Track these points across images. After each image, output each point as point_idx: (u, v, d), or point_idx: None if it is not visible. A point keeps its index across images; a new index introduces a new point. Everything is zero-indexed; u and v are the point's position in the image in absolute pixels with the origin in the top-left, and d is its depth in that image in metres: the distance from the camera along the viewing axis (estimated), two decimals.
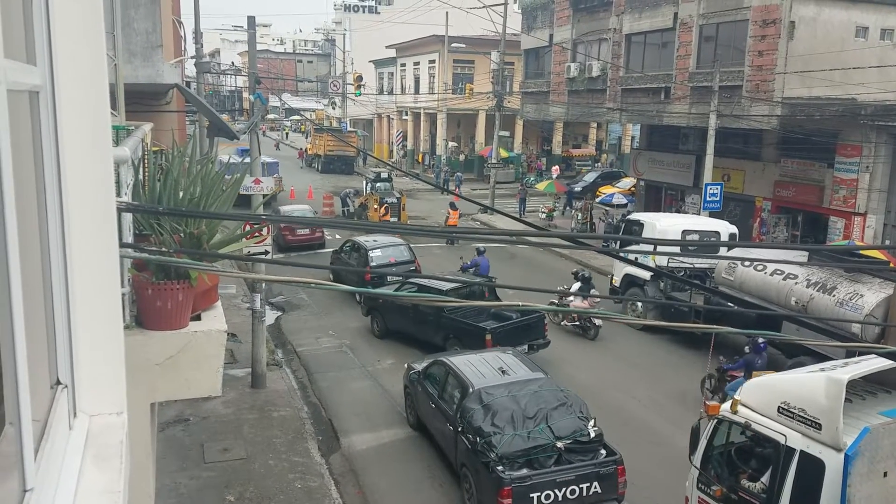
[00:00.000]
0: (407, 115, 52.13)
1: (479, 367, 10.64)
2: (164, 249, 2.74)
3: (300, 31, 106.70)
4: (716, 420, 8.02)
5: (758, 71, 20.26)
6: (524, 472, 8.82)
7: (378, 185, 30.98)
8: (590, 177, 39.73)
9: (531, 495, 8.67)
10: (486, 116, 42.84)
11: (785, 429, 7.20)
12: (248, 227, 11.49)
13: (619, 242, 17.62)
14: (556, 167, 41.80)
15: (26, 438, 1.07)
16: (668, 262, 17.30)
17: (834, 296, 13.47)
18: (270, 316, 17.84)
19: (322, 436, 12.14)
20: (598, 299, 17.51)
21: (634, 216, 19.87)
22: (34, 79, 1.26)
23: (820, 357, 13.17)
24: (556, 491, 8.76)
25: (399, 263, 19.15)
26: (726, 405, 8.01)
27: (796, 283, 14.27)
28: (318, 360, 15.48)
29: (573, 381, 13.34)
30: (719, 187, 21.08)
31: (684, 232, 17.35)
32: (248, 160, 28.88)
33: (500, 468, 8.80)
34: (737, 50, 21.06)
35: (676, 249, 17.26)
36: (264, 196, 13.70)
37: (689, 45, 22.67)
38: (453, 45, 41.87)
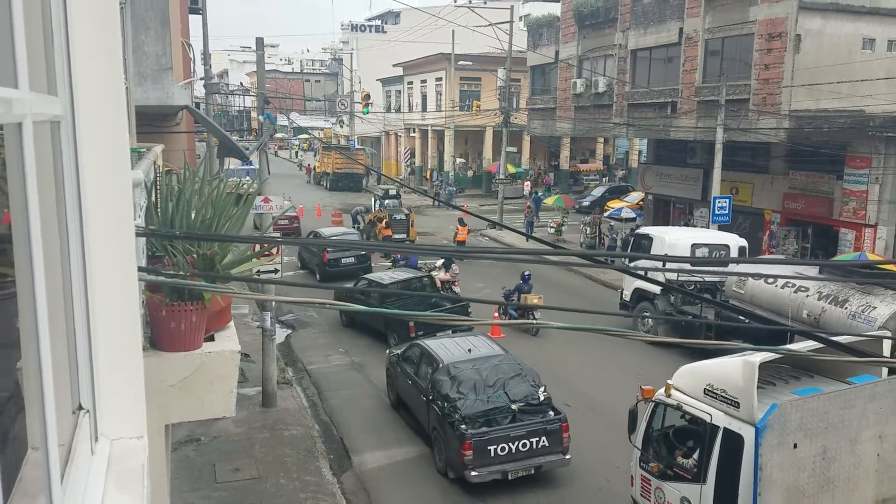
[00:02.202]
0: (414, 132, 52.36)
1: (450, 348, 12.29)
2: (180, 273, 2.75)
3: (307, 50, 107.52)
4: (653, 403, 8.76)
5: (764, 84, 20.28)
6: (483, 429, 10.43)
7: (387, 202, 31.08)
8: (598, 191, 39.74)
9: (488, 448, 10.28)
10: (494, 132, 42.97)
11: (710, 409, 7.93)
12: (257, 248, 11.49)
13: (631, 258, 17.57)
14: (527, 182, 41.52)
15: (53, 463, 1.08)
16: (679, 275, 17.23)
17: (846, 308, 13.38)
18: (280, 334, 17.86)
19: (333, 454, 12.10)
20: (458, 271, 20.45)
21: (643, 230, 19.83)
22: (55, 109, 1.28)
23: None
24: (510, 444, 10.39)
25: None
26: (661, 390, 8.60)
27: (808, 296, 14.18)
28: (328, 378, 15.46)
29: (581, 392, 13.26)
30: (728, 200, 21.03)
31: (694, 245, 17.29)
32: (242, 167, 29.57)
33: (463, 426, 10.41)
34: (743, 63, 21.10)
35: (687, 264, 17.21)
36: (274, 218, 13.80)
37: (695, 60, 22.73)
38: (460, 62, 42.09)
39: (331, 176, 48.20)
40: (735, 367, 7.65)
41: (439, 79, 47.23)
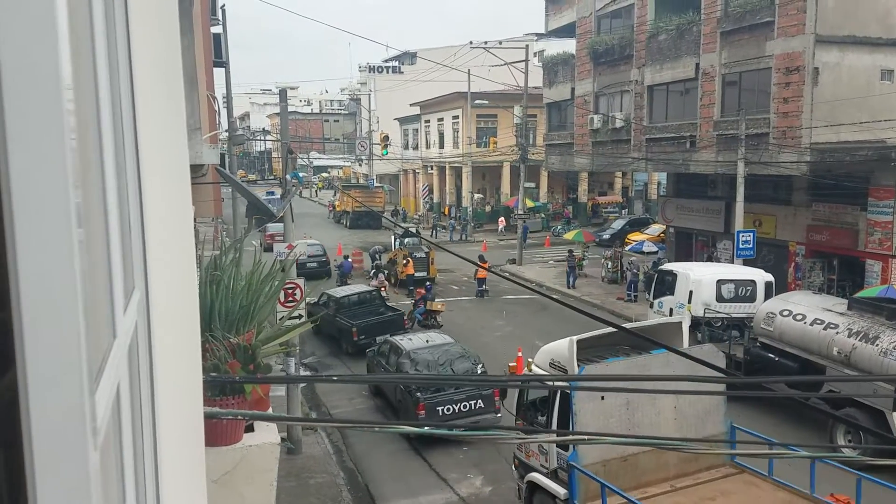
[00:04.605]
0: (432, 168, 52.70)
1: (413, 341, 15.73)
2: (236, 376, 2.77)
3: (326, 91, 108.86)
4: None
5: (784, 118, 20.24)
6: (433, 394, 13.66)
7: (406, 240, 31.18)
8: (618, 224, 39.56)
9: (437, 408, 13.51)
10: (511, 167, 43.09)
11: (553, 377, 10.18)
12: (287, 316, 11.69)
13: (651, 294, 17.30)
14: (502, 219, 42.18)
15: None
16: (705, 312, 17.04)
17: (877, 345, 13.11)
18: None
19: (359, 503, 11.99)
20: (383, 279, 25.20)
21: (667, 266, 19.69)
22: (136, 297, 1.31)
23: (864, 408, 12.78)
24: (454, 405, 13.65)
25: (314, 256, 28.58)
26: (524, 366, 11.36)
27: (837, 333, 13.93)
28: None
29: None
30: (752, 234, 20.84)
31: (719, 282, 17.14)
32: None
33: (418, 393, 13.72)
34: (762, 94, 21.07)
35: (712, 299, 17.05)
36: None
37: (713, 94, 22.76)
38: (476, 101, 42.41)
39: (350, 214, 48.43)
40: (564, 344, 10.00)
41: (456, 117, 47.64)
